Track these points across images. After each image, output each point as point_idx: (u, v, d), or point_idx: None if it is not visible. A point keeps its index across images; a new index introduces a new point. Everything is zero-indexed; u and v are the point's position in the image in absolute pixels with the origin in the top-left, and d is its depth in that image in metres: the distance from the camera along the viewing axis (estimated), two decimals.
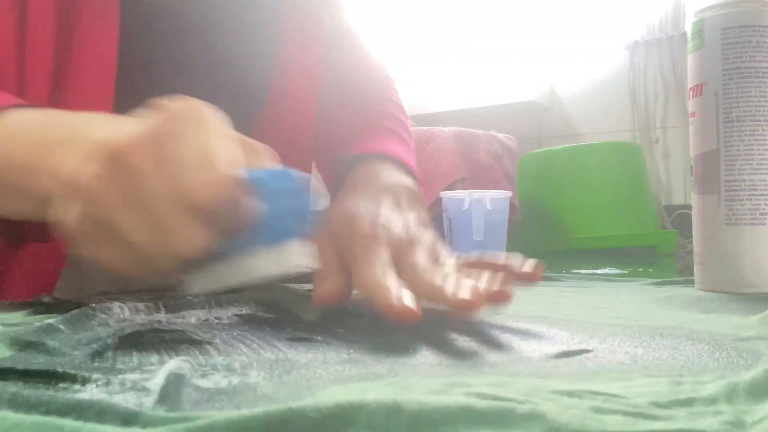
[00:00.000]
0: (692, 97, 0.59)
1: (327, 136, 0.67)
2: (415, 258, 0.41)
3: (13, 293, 0.54)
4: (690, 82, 0.59)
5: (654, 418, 0.20)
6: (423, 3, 1.76)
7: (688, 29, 0.60)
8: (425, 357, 0.30)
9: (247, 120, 0.58)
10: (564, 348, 0.32)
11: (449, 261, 0.43)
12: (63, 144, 0.33)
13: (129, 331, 0.31)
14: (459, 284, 0.36)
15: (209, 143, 0.29)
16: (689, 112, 0.60)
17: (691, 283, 0.61)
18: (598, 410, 0.20)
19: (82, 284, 0.56)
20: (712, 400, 0.22)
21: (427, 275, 0.38)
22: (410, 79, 1.65)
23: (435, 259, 0.43)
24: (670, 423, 0.19)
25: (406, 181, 0.52)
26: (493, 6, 1.69)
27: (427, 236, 0.44)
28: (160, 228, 0.28)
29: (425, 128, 1.29)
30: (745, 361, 0.28)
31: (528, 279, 0.42)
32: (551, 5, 1.65)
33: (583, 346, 0.32)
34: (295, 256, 0.33)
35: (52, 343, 0.30)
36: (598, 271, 0.82)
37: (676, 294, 0.56)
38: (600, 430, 0.18)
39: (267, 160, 0.34)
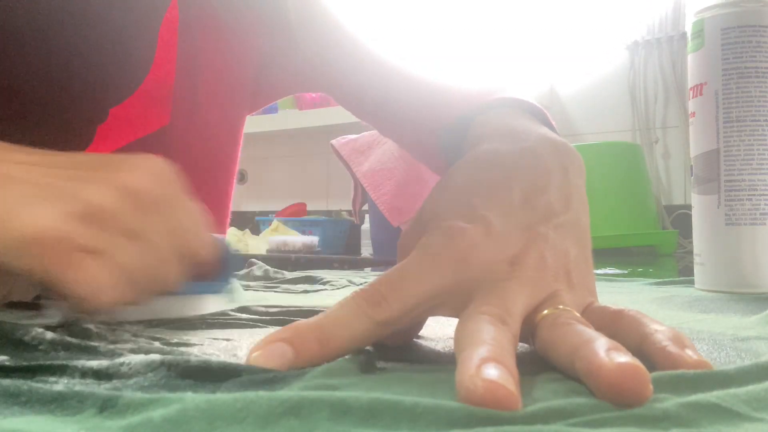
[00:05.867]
0: (692, 97, 0.59)
1: (402, 114, 0.52)
2: (566, 297, 0.28)
3: None
4: (690, 82, 0.59)
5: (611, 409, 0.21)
6: (422, 3, 1.76)
7: (688, 29, 0.60)
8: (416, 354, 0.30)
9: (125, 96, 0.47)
10: None
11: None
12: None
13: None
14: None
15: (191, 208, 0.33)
16: (689, 112, 0.60)
17: (691, 283, 0.61)
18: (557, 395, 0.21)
19: None
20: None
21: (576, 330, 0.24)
22: None
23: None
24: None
25: (556, 137, 0.35)
26: (492, 5, 1.69)
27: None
28: (157, 258, 0.30)
29: None
30: (743, 360, 0.28)
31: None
32: (551, 5, 1.65)
33: None
34: (218, 304, 0.41)
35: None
36: (598, 271, 0.82)
37: (676, 294, 0.56)
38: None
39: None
